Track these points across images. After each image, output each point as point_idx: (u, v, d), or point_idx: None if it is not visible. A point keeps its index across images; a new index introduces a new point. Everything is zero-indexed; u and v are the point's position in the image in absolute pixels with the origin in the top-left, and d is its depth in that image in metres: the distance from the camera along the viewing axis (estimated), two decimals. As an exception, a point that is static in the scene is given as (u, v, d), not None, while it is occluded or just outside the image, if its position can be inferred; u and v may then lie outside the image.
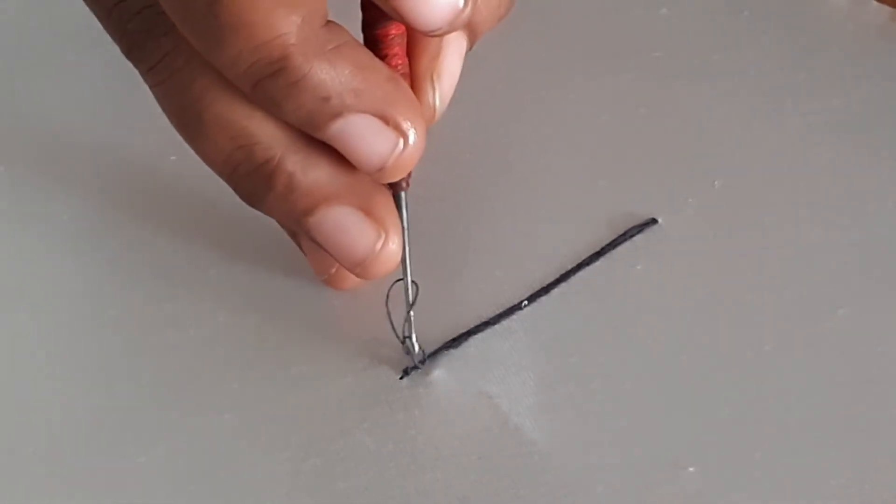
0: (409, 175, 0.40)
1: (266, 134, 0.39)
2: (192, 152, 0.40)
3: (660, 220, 0.46)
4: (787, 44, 0.52)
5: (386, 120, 0.38)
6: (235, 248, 0.46)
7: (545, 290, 0.45)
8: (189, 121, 0.39)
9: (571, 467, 0.40)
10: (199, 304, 0.45)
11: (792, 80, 0.50)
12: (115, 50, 0.40)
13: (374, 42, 0.39)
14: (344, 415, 0.42)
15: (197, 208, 0.48)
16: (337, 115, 0.38)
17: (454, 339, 0.43)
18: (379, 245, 0.40)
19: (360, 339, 0.44)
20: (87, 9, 0.41)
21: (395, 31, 0.40)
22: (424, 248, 0.44)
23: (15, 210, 0.49)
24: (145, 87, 0.40)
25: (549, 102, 0.50)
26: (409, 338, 0.42)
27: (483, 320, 0.44)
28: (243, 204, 0.41)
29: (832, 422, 0.40)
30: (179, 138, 0.40)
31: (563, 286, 0.45)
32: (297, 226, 0.40)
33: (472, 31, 0.42)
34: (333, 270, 0.44)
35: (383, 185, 0.40)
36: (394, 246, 0.40)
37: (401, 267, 0.41)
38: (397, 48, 0.40)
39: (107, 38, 0.41)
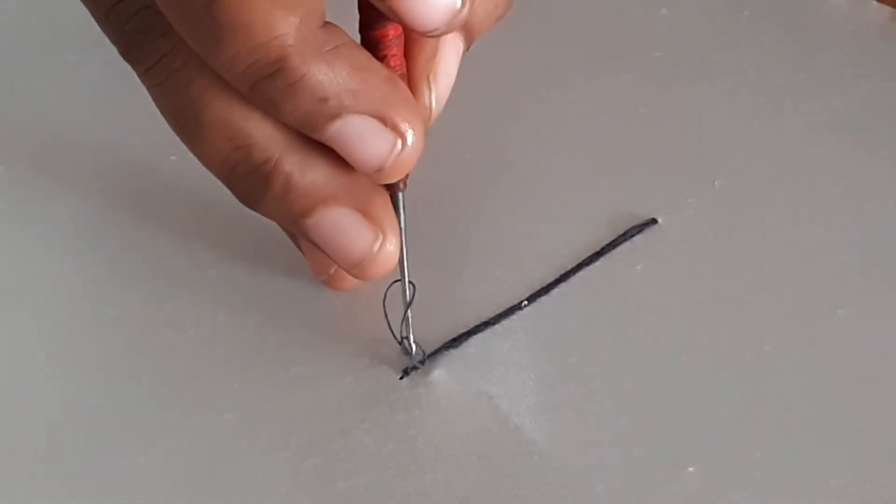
0: (407, 176, 0.40)
1: (264, 135, 0.39)
2: (191, 153, 0.40)
3: (660, 220, 0.46)
4: (787, 44, 0.52)
5: (384, 121, 0.38)
6: (235, 248, 0.46)
7: (545, 290, 0.45)
8: (186, 122, 0.39)
9: (571, 467, 0.40)
10: (199, 304, 0.45)
11: (792, 80, 0.50)
12: (115, 50, 0.40)
13: (371, 43, 0.39)
14: (344, 415, 0.42)
15: (197, 208, 0.48)
16: (335, 116, 0.38)
17: (454, 339, 0.43)
18: (376, 246, 0.40)
19: (360, 339, 0.44)
20: (86, 9, 0.41)
21: (392, 31, 0.40)
22: (424, 249, 0.44)
23: (15, 210, 0.49)
24: (145, 88, 0.40)
25: (549, 102, 0.50)
26: (407, 338, 0.43)
27: (483, 320, 0.44)
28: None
29: (832, 422, 0.40)
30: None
31: (563, 286, 0.45)
32: (295, 227, 0.40)
33: (468, 32, 0.41)
34: (332, 271, 0.44)
35: (381, 186, 0.40)
36: (391, 247, 0.40)
37: (398, 268, 0.41)
38: (395, 49, 0.40)
39: (106, 38, 0.41)
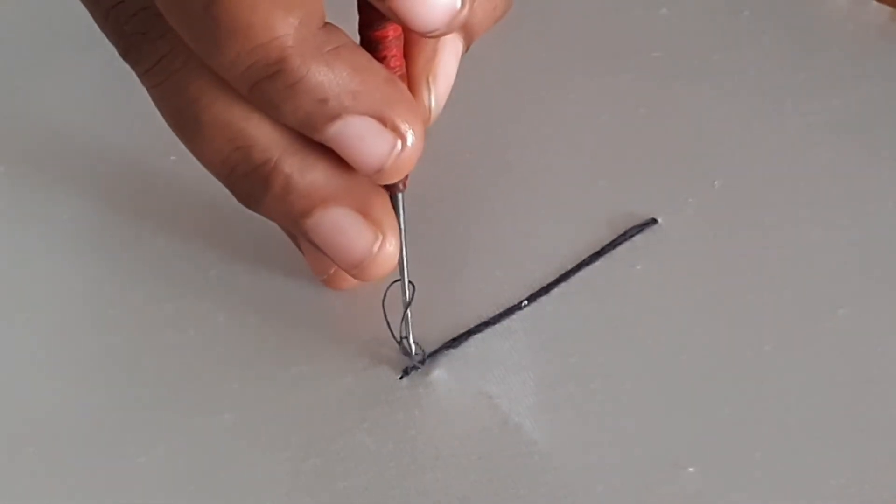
0: (407, 177, 0.40)
1: (263, 135, 0.39)
2: (191, 153, 0.40)
3: (660, 220, 0.46)
4: (787, 44, 0.52)
5: (384, 121, 0.38)
6: (235, 248, 0.46)
7: (545, 290, 0.45)
8: (186, 122, 0.39)
9: (571, 467, 0.40)
10: (199, 304, 0.45)
11: (792, 80, 0.50)
12: (115, 50, 0.40)
13: (371, 44, 0.39)
14: (344, 415, 0.42)
15: (197, 208, 0.48)
16: (335, 116, 0.38)
17: (454, 339, 0.43)
18: (376, 247, 0.40)
19: (360, 339, 0.44)
20: (86, 9, 0.41)
21: (392, 32, 0.39)
22: (424, 249, 0.44)
23: (15, 210, 0.49)
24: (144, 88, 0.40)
25: (549, 102, 0.50)
26: (407, 338, 0.43)
27: (483, 320, 0.44)
28: (242, 205, 0.41)
29: (832, 422, 0.40)
30: (179, 139, 0.40)
31: (563, 286, 0.45)
32: (295, 227, 0.40)
33: (468, 32, 0.41)
34: (332, 271, 0.44)
35: (381, 186, 0.40)
36: (391, 248, 0.40)
37: (398, 268, 0.41)
38: (395, 50, 0.40)
39: (106, 38, 0.41)
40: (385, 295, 0.42)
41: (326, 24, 0.38)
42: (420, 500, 0.40)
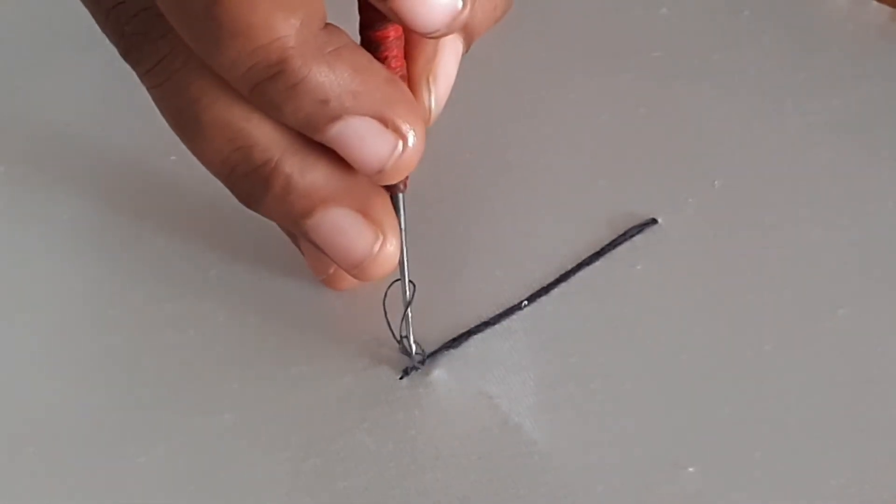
0: (407, 177, 0.40)
1: (264, 136, 0.39)
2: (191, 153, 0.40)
3: (660, 220, 0.46)
4: (787, 44, 0.52)
5: (385, 122, 0.38)
6: (235, 248, 0.46)
7: (545, 290, 0.45)
8: (186, 123, 0.39)
9: (571, 467, 0.40)
10: (199, 304, 0.45)
11: (792, 80, 0.50)
12: (115, 50, 0.40)
13: (372, 44, 0.39)
14: (344, 415, 0.42)
15: (197, 208, 0.48)
16: (336, 117, 0.38)
17: (454, 339, 0.43)
18: (377, 247, 0.40)
19: (360, 339, 0.44)
20: (86, 9, 0.41)
21: (393, 33, 0.39)
22: (424, 249, 0.44)
23: (15, 210, 0.49)
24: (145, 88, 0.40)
25: (549, 102, 0.50)
26: (407, 338, 0.43)
27: (483, 320, 0.44)
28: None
29: (832, 422, 0.40)
30: (179, 139, 0.40)
31: (563, 286, 0.45)
32: (295, 227, 0.40)
33: (468, 33, 0.41)
34: (331, 271, 0.44)
35: (381, 186, 0.40)
36: (391, 248, 0.40)
37: (398, 268, 0.41)
38: (395, 50, 0.40)
39: (106, 38, 0.41)
40: (385, 295, 0.42)
41: (328, 24, 0.38)
42: (420, 500, 0.40)
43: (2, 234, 0.48)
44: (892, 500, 0.39)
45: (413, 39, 0.40)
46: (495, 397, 0.42)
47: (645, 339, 0.43)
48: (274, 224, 0.43)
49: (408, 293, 0.42)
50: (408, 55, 0.41)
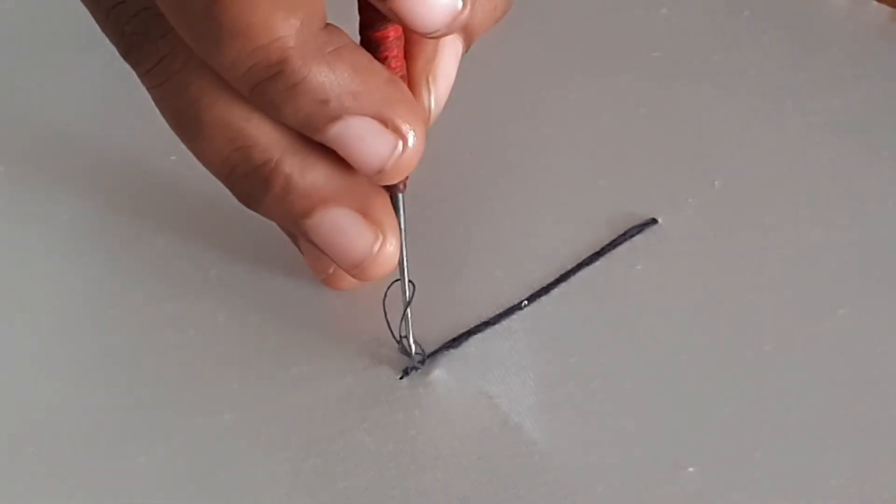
0: (407, 177, 0.40)
1: (264, 136, 0.39)
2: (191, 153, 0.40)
3: (660, 220, 0.46)
4: (787, 44, 0.52)
5: (385, 122, 0.38)
6: (235, 248, 0.46)
7: (545, 290, 0.45)
8: (186, 123, 0.39)
9: (571, 467, 0.40)
10: (199, 304, 0.45)
11: (792, 80, 0.50)
12: (115, 50, 0.40)
13: (372, 44, 0.39)
14: (344, 415, 0.42)
15: (197, 208, 0.48)
16: (336, 117, 0.38)
17: (454, 339, 0.43)
18: (376, 247, 0.40)
19: (360, 339, 0.44)
20: (86, 9, 0.41)
21: (393, 33, 0.39)
22: (424, 249, 0.44)
23: (15, 210, 0.49)
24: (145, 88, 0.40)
25: (549, 102, 0.50)
26: (407, 338, 0.43)
27: (483, 320, 0.44)
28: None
29: (832, 422, 0.40)
30: (179, 139, 0.40)
31: (563, 286, 0.45)
32: (295, 227, 0.40)
33: (468, 33, 0.41)
34: (331, 271, 0.44)
35: (381, 186, 0.40)
36: (391, 248, 0.40)
37: (398, 268, 0.41)
38: (395, 50, 0.40)
39: (106, 38, 0.41)
40: (385, 295, 0.42)
41: (328, 24, 0.38)
42: (420, 500, 0.40)
43: (2, 234, 0.48)
44: (892, 500, 0.39)
45: (413, 39, 0.40)
46: (495, 397, 0.42)
47: (645, 339, 0.43)
48: (274, 224, 0.43)
49: (408, 293, 0.42)
50: (408, 55, 0.41)
